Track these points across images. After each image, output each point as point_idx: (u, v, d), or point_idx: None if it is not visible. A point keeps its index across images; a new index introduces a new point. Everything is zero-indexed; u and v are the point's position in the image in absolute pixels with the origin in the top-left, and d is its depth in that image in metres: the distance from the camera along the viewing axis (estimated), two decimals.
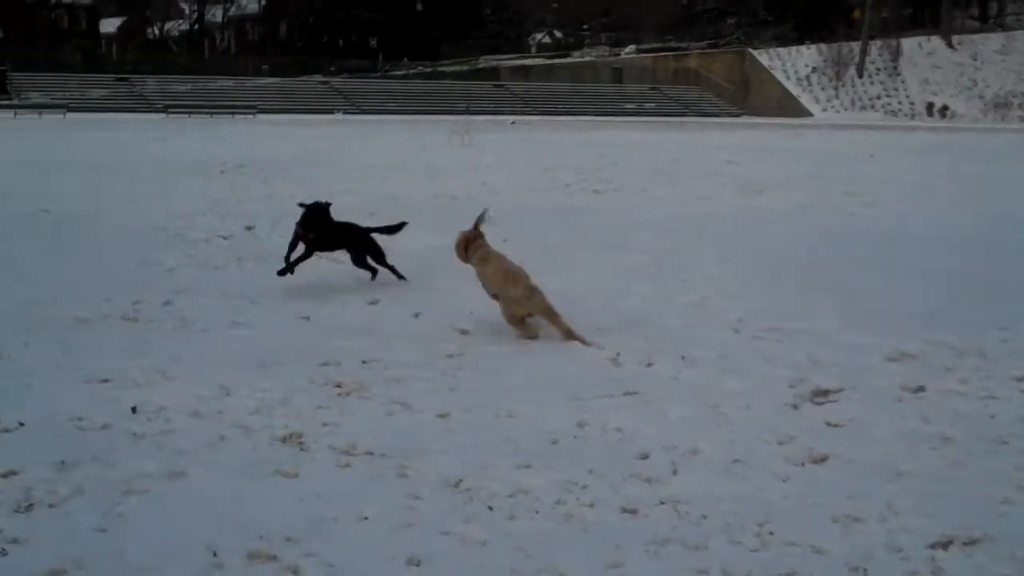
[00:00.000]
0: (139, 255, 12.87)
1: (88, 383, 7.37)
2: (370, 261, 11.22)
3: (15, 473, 5.66)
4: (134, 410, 6.74)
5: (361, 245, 11.16)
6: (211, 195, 20.24)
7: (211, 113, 76.28)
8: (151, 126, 55.20)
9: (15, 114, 72.93)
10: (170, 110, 77.12)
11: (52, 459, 5.84)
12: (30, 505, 5.28)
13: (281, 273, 10.54)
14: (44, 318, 9.30)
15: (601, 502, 5.41)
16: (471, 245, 9.38)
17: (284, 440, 6.30)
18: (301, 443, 6.26)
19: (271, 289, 10.74)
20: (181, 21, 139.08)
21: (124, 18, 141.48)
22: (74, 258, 12.71)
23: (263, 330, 9.14)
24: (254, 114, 76.54)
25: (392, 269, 11.30)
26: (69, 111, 74.56)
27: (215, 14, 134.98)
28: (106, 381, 7.40)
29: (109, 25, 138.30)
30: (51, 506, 5.28)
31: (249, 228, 15.32)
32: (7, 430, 6.38)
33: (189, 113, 76.20)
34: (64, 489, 5.46)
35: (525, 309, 8.82)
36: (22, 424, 6.45)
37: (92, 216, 16.71)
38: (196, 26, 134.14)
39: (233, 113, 76.99)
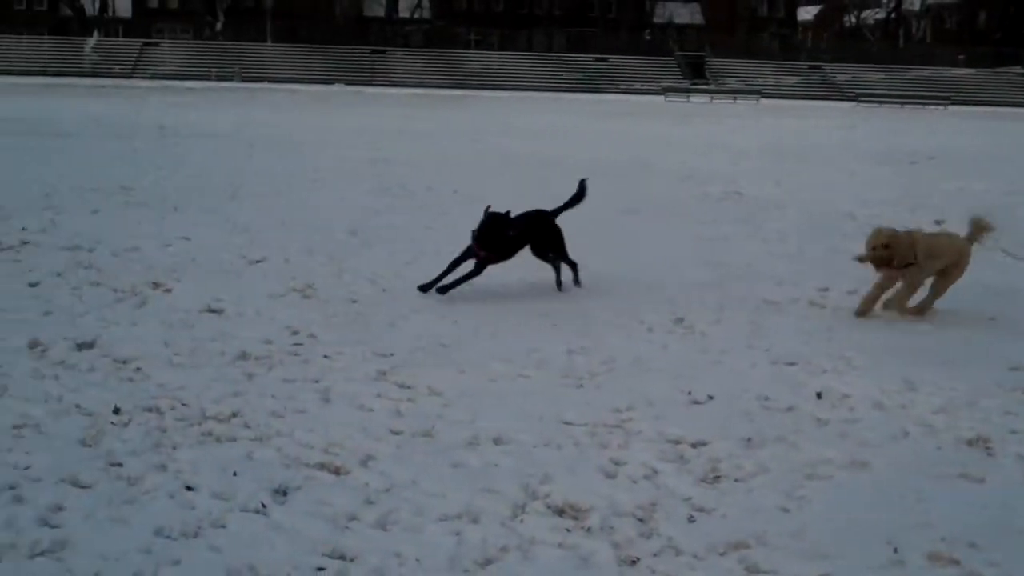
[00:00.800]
0: (827, 242, 12.99)
1: (775, 364, 7.56)
2: (550, 255, 9.90)
3: (703, 444, 5.94)
4: (819, 396, 6.82)
5: (545, 235, 9.88)
6: (900, 185, 19.97)
7: (902, 103, 75.12)
8: (841, 114, 55.48)
9: (711, 99, 76.43)
10: (861, 99, 76.98)
11: (739, 435, 6.07)
12: (717, 477, 5.51)
13: (425, 290, 9.41)
14: (736, 298, 9.67)
15: None
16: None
17: (970, 443, 6.07)
18: (988, 448, 6.00)
19: (959, 286, 10.37)
20: (878, 10, 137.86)
21: (821, 6, 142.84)
22: (764, 241, 13.07)
23: (947, 327, 8.87)
24: (946, 105, 74.33)
25: (572, 266, 9.97)
26: (762, 97, 76.79)
27: (914, 2, 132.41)
28: (792, 364, 7.56)
29: (806, 13, 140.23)
30: (736, 480, 5.47)
31: (939, 222, 14.89)
32: (698, 402, 6.71)
33: (880, 102, 75.57)
34: (749, 465, 5.64)
35: None
36: (712, 398, 6.76)
37: (782, 201, 17.10)
38: (893, 15, 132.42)
39: (925, 103, 75.27)
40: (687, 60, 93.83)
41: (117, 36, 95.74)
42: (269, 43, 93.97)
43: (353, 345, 7.71)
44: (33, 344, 7.45)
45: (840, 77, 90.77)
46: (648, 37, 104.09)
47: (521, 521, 4.90)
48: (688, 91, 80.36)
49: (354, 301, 9.16)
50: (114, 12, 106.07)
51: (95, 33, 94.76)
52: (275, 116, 38.66)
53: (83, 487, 5.11)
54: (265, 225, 12.92)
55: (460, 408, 6.42)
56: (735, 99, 76.21)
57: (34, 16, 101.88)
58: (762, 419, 6.38)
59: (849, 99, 79.14)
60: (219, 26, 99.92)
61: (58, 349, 7.37)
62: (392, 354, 7.52)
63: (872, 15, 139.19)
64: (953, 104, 75.51)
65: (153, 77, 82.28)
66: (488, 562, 4.52)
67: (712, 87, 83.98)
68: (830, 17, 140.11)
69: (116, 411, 6.14)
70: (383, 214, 14.34)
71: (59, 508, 4.86)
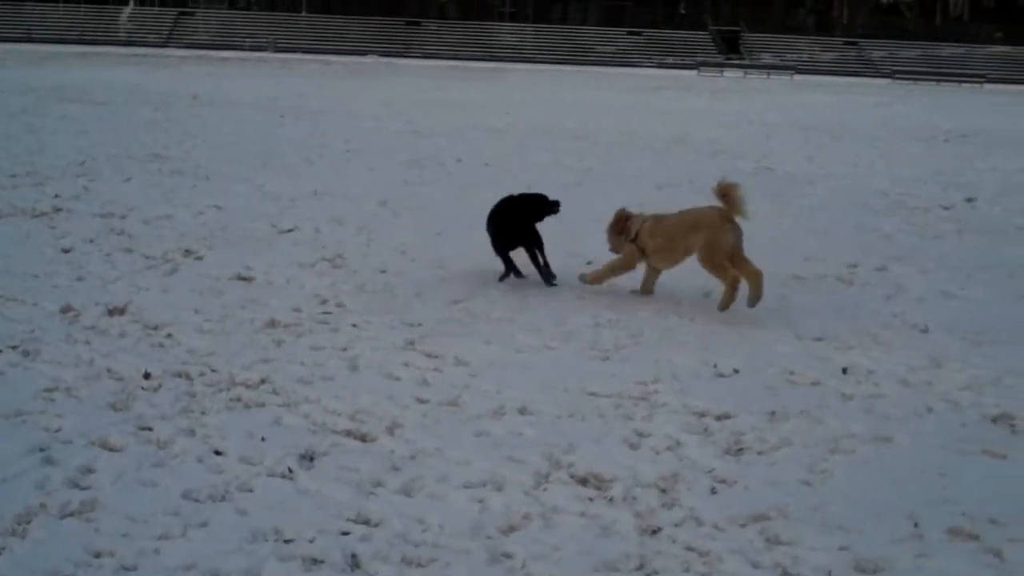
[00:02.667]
0: (857, 218, 12.97)
1: (801, 339, 7.57)
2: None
3: (728, 417, 5.98)
4: (845, 371, 6.83)
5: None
6: (933, 164, 19.85)
7: (937, 80, 74.43)
8: (875, 91, 55.12)
9: (744, 74, 76.01)
10: (896, 76, 76.37)
11: (763, 408, 6.10)
12: (740, 450, 5.54)
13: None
14: (764, 273, 9.63)
15: None
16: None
17: (995, 420, 6.08)
18: (1012, 425, 6.01)
19: (990, 264, 10.36)
20: None
21: None
22: (794, 217, 13.04)
23: (978, 304, 8.86)
24: (982, 83, 73.59)
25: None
26: (797, 73, 76.29)
27: None
28: (819, 340, 7.56)
29: None
30: (759, 453, 5.50)
31: (970, 200, 14.84)
32: (723, 375, 6.73)
33: (915, 79, 74.92)
34: (772, 438, 5.67)
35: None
36: (737, 371, 6.78)
37: (813, 177, 17.04)
38: None
39: (960, 81, 74.55)
40: (722, 35, 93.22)
41: (152, 5, 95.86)
42: (303, 14, 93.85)
43: (381, 314, 7.78)
44: (65, 309, 7.55)
45: (876, 54, 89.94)
46: (683, 11, 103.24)
47: (544, 490, 4.96)
48: (722, 66, 79.91)
49: (383, 271, 9.22)
50: None
51: (131, 2, 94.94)
52: (308, 87, 38.71)
53: (113, 450, 5.20)
54: (296, 195, 12.98)
55: (486, 378, 6.47)
56: (769, 75, 75.65)
57: None
58: (787, 393, 6.41)
59: (884, 76, 78.46)
60: None
61: (90, 314, 7.48)
62: (420, 324, 7.57)
63: None
64: (989, 82, 74.74)
65: (188, 47, 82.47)
66: (511, 529, 4.58)
67: (746, 62, 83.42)
68: None
69: (146, 376, 6.23)
70: (413, 185, 14.38)
71: (89, 470, 4.95)
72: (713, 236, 8.11)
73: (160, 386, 6.10)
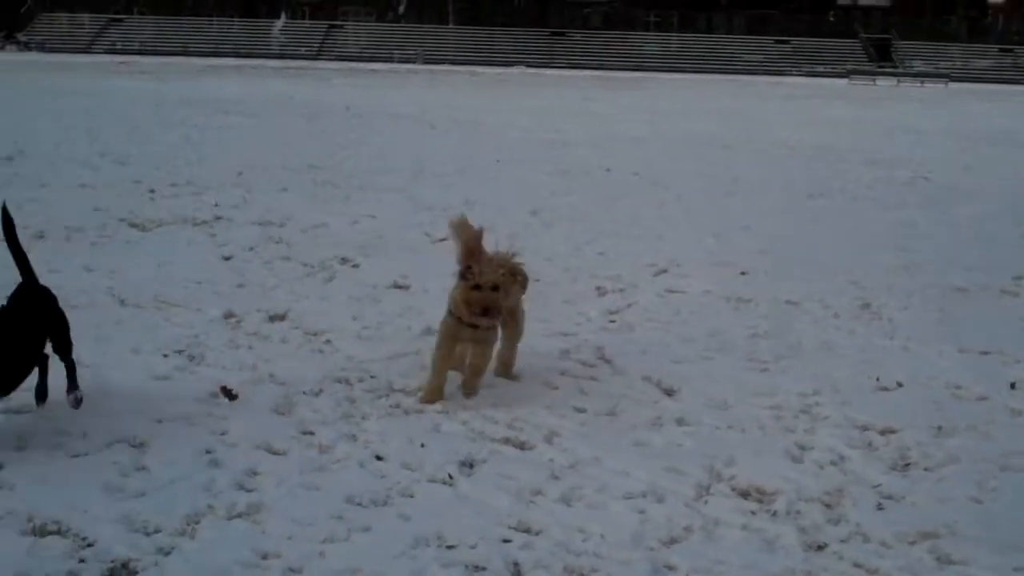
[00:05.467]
0: (1020, 229, 12.57)
1: (965, 353, 7.35)
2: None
3: (892, 432, 5.82)
4: (1013, 386, 6.61)
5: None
6: None
7: None
8: None
9: (898, 82, 74.51)
10: None
11: (928, 423, 5.93)
12: (907, 465, 5.40)
13: None
14: (924, 285, 9.42)
15: None
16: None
17: None
18: None
19: None
20: None
21: None
22: (953, 226, 12.69)
23: None
24: None
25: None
26: (951, 81, 74.51)
27: None
28: (985, 353, 7.33)
29: None
30: (926, 469, 5.35)
31: None
32: (886, 389, 6.57)
33: None
34: (939, 454, 5.51)
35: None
36: (900, 385, 6.61)
37: (973, 187, 16.58)
38: None
39: None
40: (872, 43, 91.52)
41: (304, 19, 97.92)
42: (451, 26, 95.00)
43: (535, 322, 7.76)
44: (228, 315, 7.72)
45: None
46: (831, 19, 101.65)
47: (705, 502, 4.89)
48: (874, 74, 78.47)
49: (536, 280, 9.21)
50: None
51: (283, 15, 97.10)
52: (456, 98, 39.09)
53: (277, 454, 5.29)
54: (448, 204, 13.07)
55: (643, 388, 6.42)
56: (923, 83, 74.04)
57: None
58: (952, 408, 6.23)
59: None
60: (402, 9, 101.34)
61: (251, 320, 7.63)
62: (575, 333, 7.56)
63: None
64: None
65: (337, 59, 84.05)
66: (672, 541, 4.52)
67: (899, 70, 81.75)
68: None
69: (226, 393, 6.06)
70: (562, 195, 14.39)
71: (254, 473, 5.04)
72: None
73: (321, 391, 6.19)
